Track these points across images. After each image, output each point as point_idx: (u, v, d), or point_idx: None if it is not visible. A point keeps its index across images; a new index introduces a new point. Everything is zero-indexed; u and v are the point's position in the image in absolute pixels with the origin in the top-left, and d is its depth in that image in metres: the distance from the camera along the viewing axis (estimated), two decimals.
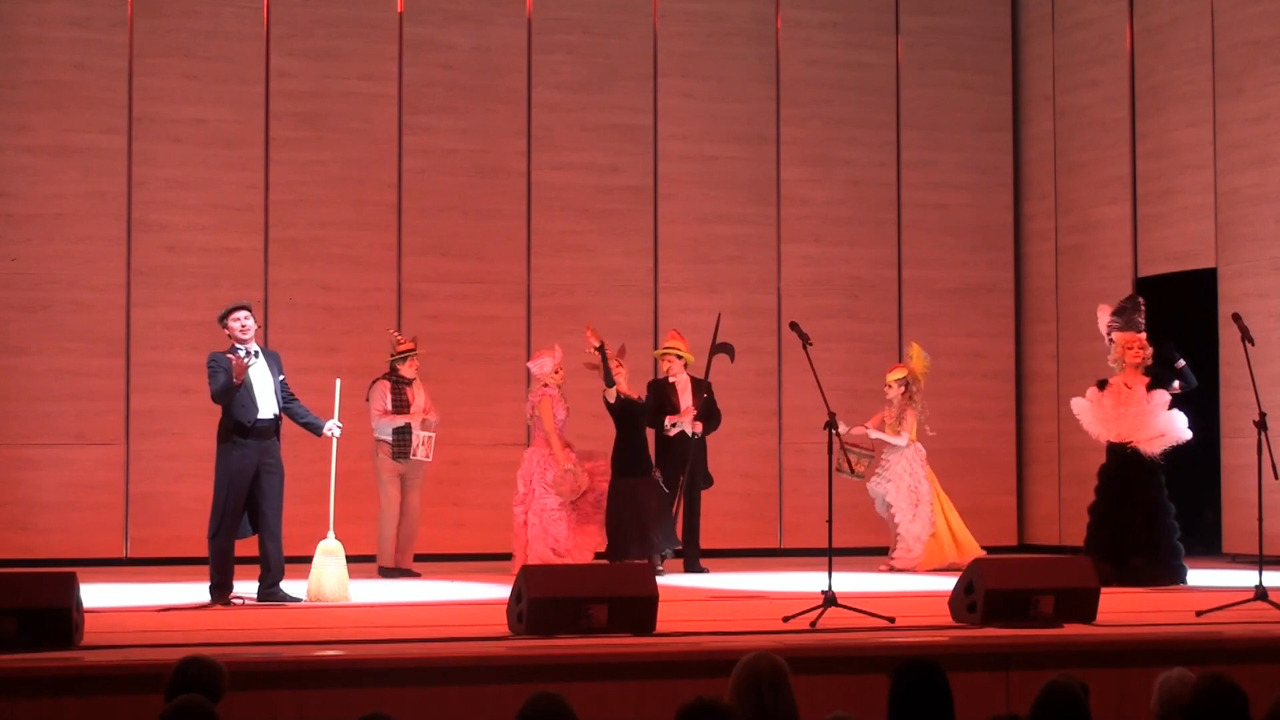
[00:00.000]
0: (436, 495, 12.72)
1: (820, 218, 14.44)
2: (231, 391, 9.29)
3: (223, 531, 9.28)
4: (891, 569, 12.09)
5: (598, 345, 11.44)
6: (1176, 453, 10.76)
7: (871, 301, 14.49)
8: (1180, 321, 12.68)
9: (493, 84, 13.89)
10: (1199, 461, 12.53)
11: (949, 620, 7.93)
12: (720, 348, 12.38)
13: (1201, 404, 12.12)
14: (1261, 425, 8.91)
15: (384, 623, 8.42)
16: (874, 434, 12.32)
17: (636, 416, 11.57)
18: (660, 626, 7.49)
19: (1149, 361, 10.81)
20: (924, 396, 12.47)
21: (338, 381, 9.83)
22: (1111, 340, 10.93)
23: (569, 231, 13.94)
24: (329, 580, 9.46)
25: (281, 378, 9.52)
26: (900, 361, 13.21)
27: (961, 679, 5.42)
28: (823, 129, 14.51)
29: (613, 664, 6.75)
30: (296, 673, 6.48)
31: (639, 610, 7.43)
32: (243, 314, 9.52)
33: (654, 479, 11.59)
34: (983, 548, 12.07)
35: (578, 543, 11.42)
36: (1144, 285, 13.45)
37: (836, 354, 13.68)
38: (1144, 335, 10.86)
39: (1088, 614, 7.85)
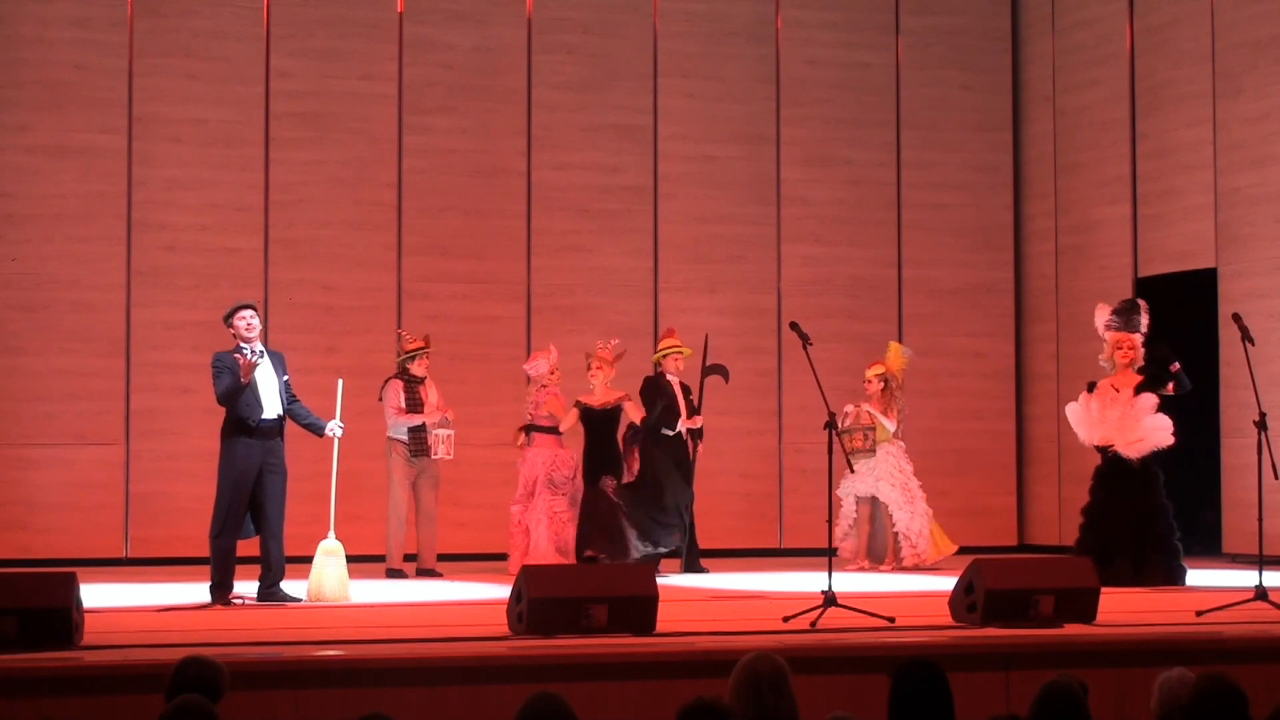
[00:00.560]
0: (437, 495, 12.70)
1: (820, 218, 14.44)
2: (238, 393, 9.24)
3: (226, 531, 9.26)
4: (900, 569, 12.05)
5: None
6: (1176, 453, 10.74)
7: (871, 301, 14.49)
8: (1180, 322, 12.68)
9: (493, 84, 13.89)
10: (1199, 461, 12.53)
11: (949, 620, 7.93)
12: (712, 369, 12.18)
13: (1201, 404, 12.12)
14: (1261, 425, 8.90)
15: (384, 623, 8.41)
16: (868, 409, 12.30)
17: (606, 425, 11.69)
18: (660, 626, 7.48)
19: (1140, 362, 10.78)
20: (905, 394, 12.49)
21: (339, 382, 9.81)
22: (1105, 338, 10.91)
23: (569, 231, 13.94)
24: (329, 580, 9.45)
25: (286, 378, 9.50)
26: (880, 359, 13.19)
27: (961, 679, 5.42)
28: (823, 129, 14.50)
29: (613, 664, 6.74)
30: (296, 673, 6.46)
31: (639, 610, 7.43)
32: (248, 313, 9.49)
33: (604, 486, 11.59)
34: (982, 548, 12.07)
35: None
36: (1144, 285, 13.45)
37: (836, 354, 13.66)
38: (1138, 336, 10.82)
39: (1088, 614, 7.85)
